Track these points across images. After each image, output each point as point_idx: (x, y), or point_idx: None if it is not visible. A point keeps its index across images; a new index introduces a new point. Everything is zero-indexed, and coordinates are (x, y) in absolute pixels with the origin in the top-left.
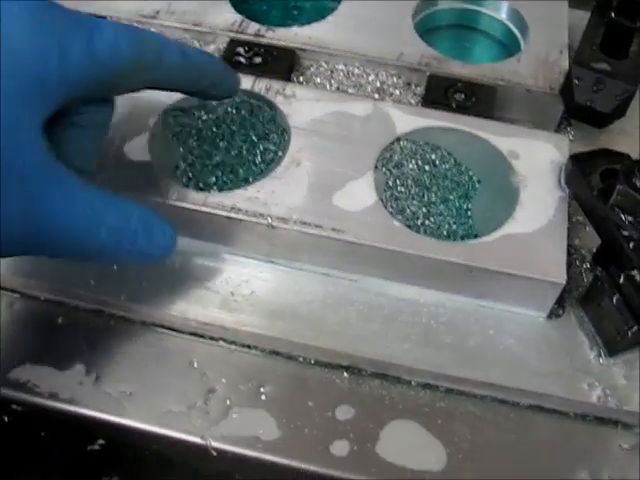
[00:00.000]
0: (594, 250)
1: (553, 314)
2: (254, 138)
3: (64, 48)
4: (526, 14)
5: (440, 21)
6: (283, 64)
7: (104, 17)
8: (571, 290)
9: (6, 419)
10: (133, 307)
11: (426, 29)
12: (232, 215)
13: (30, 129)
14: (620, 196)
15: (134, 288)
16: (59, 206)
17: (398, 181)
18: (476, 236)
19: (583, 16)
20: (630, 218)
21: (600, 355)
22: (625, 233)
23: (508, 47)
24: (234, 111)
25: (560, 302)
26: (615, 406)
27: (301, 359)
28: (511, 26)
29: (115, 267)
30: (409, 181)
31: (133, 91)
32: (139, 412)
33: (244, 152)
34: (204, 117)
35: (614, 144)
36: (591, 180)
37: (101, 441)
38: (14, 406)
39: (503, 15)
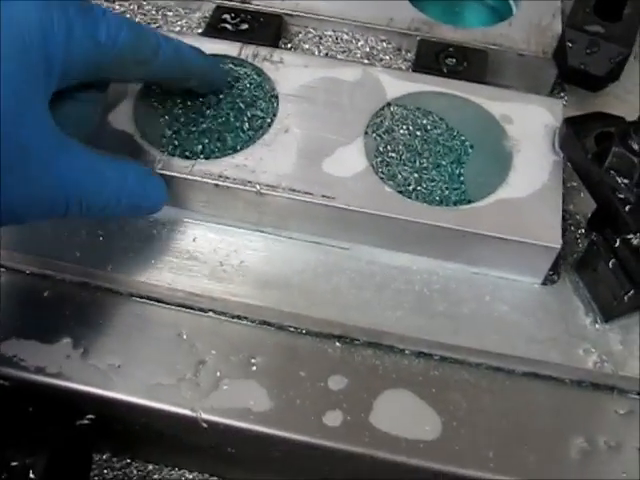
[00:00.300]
0: (589, 215)
1: (548, 280)
2: (241, 105)
3: (71, 28)
4: None
5: None
6: (270, 30)
7: None
8: (566, 256)
9: None
10: (119, 279)
11: None
12: (219, 183)
13: (37, 101)
14: (615, 158)
15: (120, 259)
16: (66, 170)
17: (389, 147)
18: (469, 202)
19: None
20: (626, 181)
21: (596, 321)
22: (621, 196)
23: (499, 11)
24: (222, 78)
25: (555, 268)
26: (611, 372)
27: (292, 329)
28: None
29: (101, 238)
30: (400, 147)
31: (128, 81)
32: (128, 385)
33: (231, 119)
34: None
35: (608, 108)
36: (586, 143)
37: (90, 415)
38: (1, 381)
39: None
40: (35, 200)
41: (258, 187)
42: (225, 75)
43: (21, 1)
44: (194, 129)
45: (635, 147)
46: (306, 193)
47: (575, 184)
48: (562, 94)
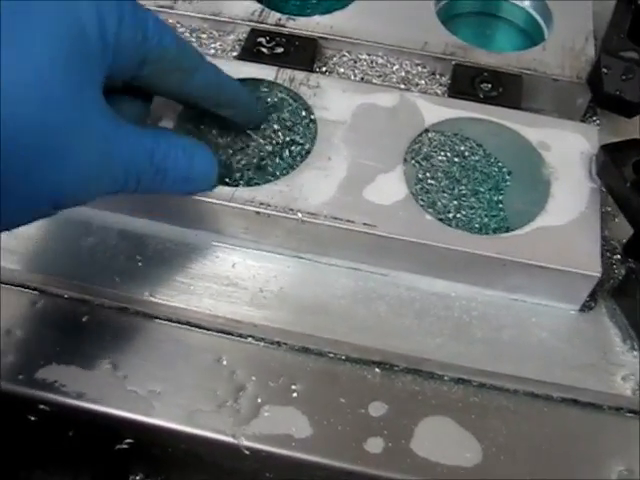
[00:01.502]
0: (624, 241)
1: (585, 307)
2: (280, 131)
3: (123, 17)
4: (550, 1)
5: (462, 8)
6: (305, 54)
7: None
8: (602, 282)
9: (32, 419)
10: (159, 304)
11: (448, 16)
12: (261, 210)
13: (93, 84)
14: None
15: (159, 285)
16: (123, 148)
17: (428, 174)
18: (508, 229)
19: (607, 3)
20: None
21: (634, 348)
22: None
23: (531, 35)
24: (260, 104)
25: (592, 294)
26: None
27: (332, 355)
28: (534, 13)
29: (140, 264)
30: (439, 173)
31: (168, 93)
32: (168, 411)
33: (271, 145)
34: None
35: None
36: (624, 171)
37: (129, 440)
38: (41, 406)
39: (526, 2)
40: (94, 177)
41: (300, 215)
42: (262, 112)
43: None
44: (234, 156)
45: None
46: (347, 221)
47: (610, 209)
48: (595, 118)
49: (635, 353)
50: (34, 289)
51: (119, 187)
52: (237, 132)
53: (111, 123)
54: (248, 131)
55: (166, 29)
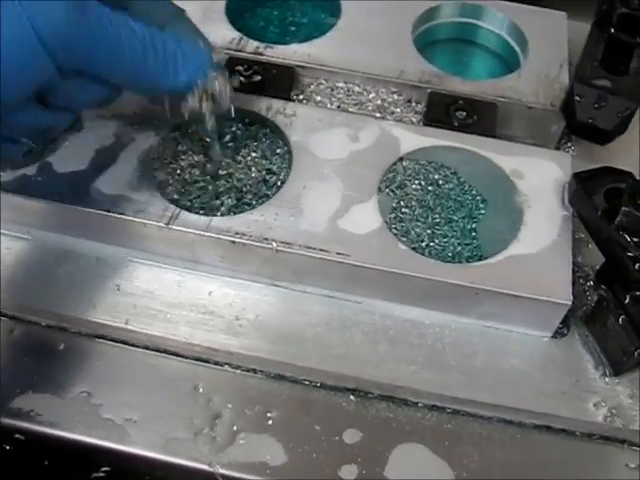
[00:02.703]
0: (597, 267)
1: (558, 333)
2: (256, 161)
3: None
4: (525, 28)
5: (439, 35)
6: (283, 82)
7: None
8: (574, 309)
9: (8, 448)
10: (136, 332)
11: (425, 43)
12: (237, 240)
13: None
14: (625, 217)
15: (136, 313)
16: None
17: (402, 202)
18: (481, 257)
19: (581, 27)
20: (635, 239)
21: (605, 374)
22: (630, 254)
23: (507, 61)
24: (237, 133)
25: (564, 321)
26: (621, 425)
27: (307, 383)
28: (510, 40)
29: (117, 292)
30: (413, 202)
31: None
32: (144, 439)
33: (247, 175)
34: (206, 139)
35: (615, 160)
36: (595, 200)
37: (106, 468)
38: (17, 435)
39: (502, 29)
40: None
41: (274, 244)
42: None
43: None
44: (212, 184)
45: None
46: (321, 250)
47: (583, 235)
48: (569, 144)
49: (607, 380)
50: (11, 317)
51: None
52: (215, 162)
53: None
54: (225, 160)
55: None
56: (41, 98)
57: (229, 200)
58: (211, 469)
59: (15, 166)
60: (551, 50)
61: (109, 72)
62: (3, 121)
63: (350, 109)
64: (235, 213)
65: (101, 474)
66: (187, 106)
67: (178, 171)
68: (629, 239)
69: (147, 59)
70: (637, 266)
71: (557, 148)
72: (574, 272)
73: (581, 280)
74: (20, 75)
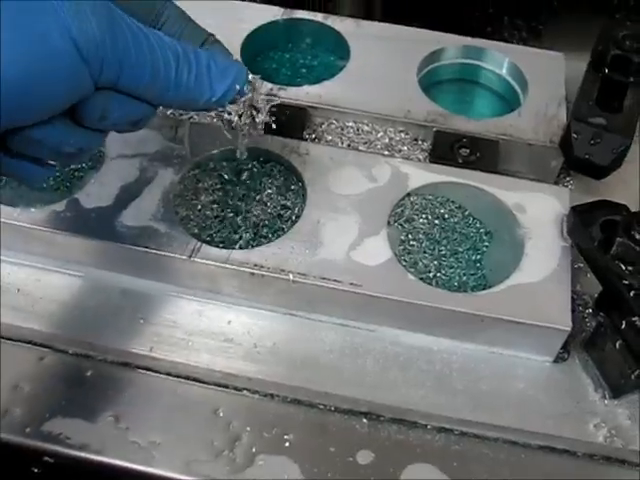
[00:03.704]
0: (596, 295)
1: (559, 358)
2: (273, 197)
3: None
4: (525, 69)
5: (443, 75)
6: (296, 122)
7: None
8: (575, 335)
9: (36, 470)
10: (159, 359)
11: (430, 83)
12: (255, 271)
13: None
14: (620, 248)
15: (160, 341)
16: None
17: (410, 235)
18: (486, 286)
19: (579, 67)
20: (630, 268)
21: (605, 397)
22: (625, 282)
23: (508, 100)
24: (253, 171)
25: (565, 346)
26: (621, 446)
27: (322, 406)
28: (510, 80)
29: (141, 321)
30: (420, 235)
31: None
32: (167, 461)
33: (263, 211)
34: (225, 177)
35: (612, 193)
36: (592, 231)
37: None
38: (46, 458)
39: (503, 70)
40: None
41: (291, 276)
42: None
43: None
44: (229, 221)
45: (638, 237)
46: (335, 281)
47: (582, 265)
48: (568, 178)
49: (606, 402)
50: (41, 345)
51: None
52: (233, 198)
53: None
54: (242, 196)
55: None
56: (72, 115)
57: (247, 234)
58: None
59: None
60: (549, 89)
61: (143, 86)
62: (31, 137)
63: (360, 147)
64: (253, 246)
65: None
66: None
67: (199, 207)
68: (624, 268)
69: (181, 72)
70: (632, 293)
71: (556, 182)
72: (573, 300)
73: (580, 307)
74: (57, 87)
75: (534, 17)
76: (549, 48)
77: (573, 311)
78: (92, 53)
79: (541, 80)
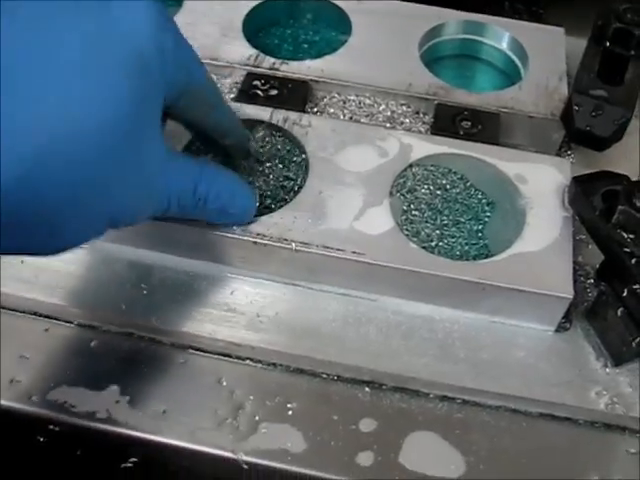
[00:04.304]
0: (597, 266)
1: (561, 327)
2: (275, 168)
3: (177, 47)
4: (526, 43)
5: (444, 51)
6: (298, 95)
7: None
8: (577, 304)
9: (42, 439)
10: (163, 329)
11: (431, 59)
12: (258, 240)
13: (154, 117)
14: (621, 216)
15: (163, 311)
16: (172, 179)
17: (412, 205)
18: (487, 255)
19: (579, 43)
20: (632, 236)
21: (606, 365)
22: (627, 250)
23: (509, 75)
24: (256, 143)
25: (567, 316)
26: (622, 413)
27: (325, 375)
28: (512, 55)
29: (145, 292)
30: (422, 205)
31: (188, 126)
32: (172, 429)
33: (267, 182)
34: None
35: (613, 165)
36: (593, 201)
37: (134, 459)
38: (51, 426)
39: (504, 45)
40: (142, 204)
41: (293, 245)
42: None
43: (135, 13)
44: None
45: (639, 205)
46: (338, 250)
47: (584, 237)
48: (569, 152)
49: (608, 370)
50: (46, 316)
51: (161, 212)
52: (236, 169)
53: (166, 156)
54: (246, 166)
55: (201, 64)
56: None
57: None
58: (235, 456)
59: None
60: (550, 63)
61: None
62: None
63: (362, 120)
64: (256, 216)
65: (129, 464)
66: None
67: None
68: (626, 236)
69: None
70: (634, 261)
71: (558, 155)
72: (575, 271)
73: (582, 278)
74: None
75: (535, 1)
76: (550, 24)
77: (575, 282)
78: None
79: (542, 54)
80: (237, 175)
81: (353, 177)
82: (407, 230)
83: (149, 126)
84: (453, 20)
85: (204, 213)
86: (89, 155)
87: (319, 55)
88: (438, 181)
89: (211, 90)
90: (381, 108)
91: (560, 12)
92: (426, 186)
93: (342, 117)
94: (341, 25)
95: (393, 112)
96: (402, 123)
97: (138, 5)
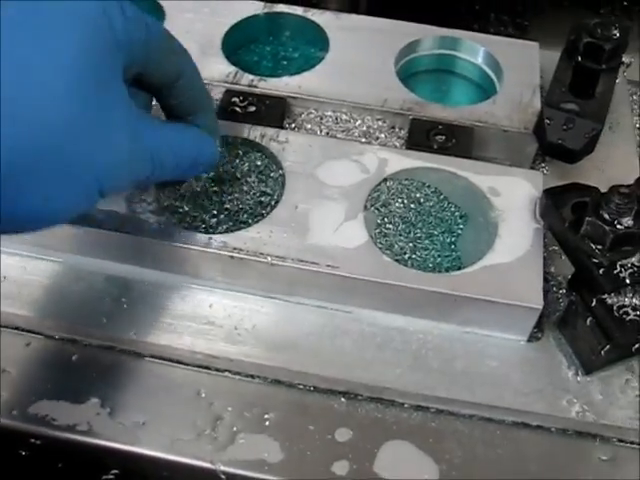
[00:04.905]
0: (569, 277)
1: (533, 337)
2: (252, 184)
3: (127, 17)
4: (500, 58)
5: (420, 66)
6: (276, 112)
7: None
8: (549, 314)
9: (23, 453)
10: (143, 342)
11: (408, 74)
12: (234, 255)
13: (115, 77)
14: (589, 227)
15: (143, 325)
16: (148, 138)
17: (386, 219)
18: (460, 267)
19: (553, 56)
20: (599, 247)
21: (577, 373)
22: (595, 260)
23: (484, 88)
24: (234, 159)
25: (539, 326)
26: (593, 420)
27: (301, 386)
28: (486, 69)
29: (125, 306)
30: (396, 219)
31: (161, 91)
32: (152, 441)
33: (244, 197)
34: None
35: (585, 177)
36: (563, 213)
37: (115, 470)
38: (32, 440)
39: (479, 59)
40: (127, 163)
41: (269, 259)
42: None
43: None
44: (211, 206)
45: (606, 217)
46: (313, 263)
47: (556, 248)
48: (543, 164)
49: (579, 378)
50: (28, 331)
51: (148, 173)
52: (214, 184)
53: (137, 114)
54: (223, 182)
55: (157, 20)
56: None
57: (227, 220)
58: (213, 466)
59: None
60: (524, 77)
61: None
62: None
63: (338, 135)
64: (233, 231)
65: (110, 476)
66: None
67: (179, 193)
68: (594, 247)
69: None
70: (601, 271)
71: (532, 168)
72: (548, 281)
73: (554, 288)
74: None
75: (520, 14)
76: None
77: (547, 292)
78: None
79: (516, 69)
80: (198, 129)
81: (329, 192)
82: (381, 243)
83: (112, 88)
84: (429, 36)
85: (178, 170)
86: (55, 121)
87: (298, 71)
88: (412, 195)
89: (172, 37)
90: (357, 123)
91: (544, 23)
92: (400, 200)
93: (319, 132)
94: (319, 41)
95: (369, 127)
96: (378, 138)
97: None
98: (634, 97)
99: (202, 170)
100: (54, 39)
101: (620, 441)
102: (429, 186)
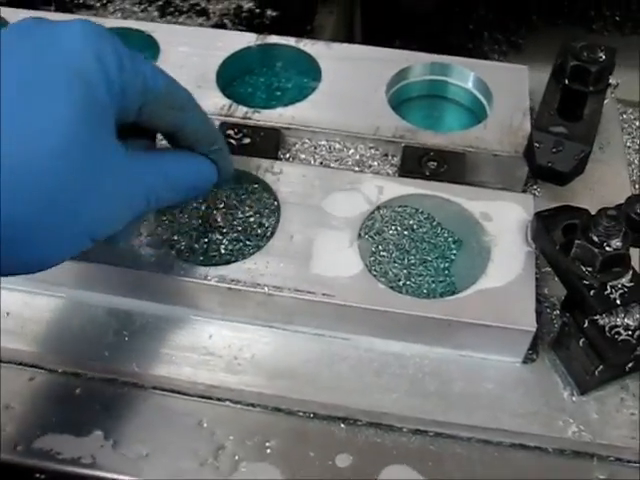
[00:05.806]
0: (562, 298)
1: (528, 359)
2: (248, 216)
3: (123, 67)
4: (490, 82)
5: (412, 93)
6: (270, 143)
7: None
8: (543, 336)
9: None
10: (144, 374)
11: (400, 101)
12: (232, 286)
13: (107, 131)
14: (579, 249)
15: (144, 356)
16: (139, 178)
17: (380, 247)
18: (454, 292)
19: (543, 78)
20: (589, 269)
21: (573, 394)
22: (586, 282)
23: (476, 113)
24: (230, 192)
25: (534, 347)
26: (589, 440)
27: (301, 414)
28: (477, 94)
29: (126, 339)
30: (390, 246)
31: (166, 133)
32: (155, 472)
33: (239, 229)
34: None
35: (576, 198)
36: (554, 235)
37: None
38: (38, 475)
39: (469, 84)
40: (121, 207)
41: (266, 289)
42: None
43: (73, 34)
44: (207, 239)
45: (595, 239)
46: (309, 292)
47: (549, 269)
48: (535, 186)
49: (574, 399)
50: (31, 365)
51: (143, 209)
52: (210, 217)
53: (131, 158)
54: (219, 215)
55: (159, 70)
56: None
57: (224, 251)
58: None
59: None
60: (514, 101)
61: None
62: None
63: (332, 165)
64: (230, 263)
65: None
66: None
67: (176, 226)
68: (584, 269)
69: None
70: (592, 293)
71: (524, 191)
72: (541, 302)
73: (548, 310)
74: None
75: (514, 32)
76: (530, 62)
77: (541, 313)
78: None
79: (506, 92)
80: (192, 152)
81: (324, 221)
82: (375, 271)
83: (103, 140)
84: (419, 62)
85: (177, 197)
86: (47, 180)
87: (292, 101)
88: (405, 221)
89: (176, 92)
90: (350, 152)
91: (538, 41)
92: (394, 227)
93: (313, 162)
94: (312, 71)
95: (362, 155)
96: (371, 166)
97: (71, 26)
98: (624, 116)
99: (199, 194)
100: (48, 102)
101: (617, 460)
102: (422, 212)
